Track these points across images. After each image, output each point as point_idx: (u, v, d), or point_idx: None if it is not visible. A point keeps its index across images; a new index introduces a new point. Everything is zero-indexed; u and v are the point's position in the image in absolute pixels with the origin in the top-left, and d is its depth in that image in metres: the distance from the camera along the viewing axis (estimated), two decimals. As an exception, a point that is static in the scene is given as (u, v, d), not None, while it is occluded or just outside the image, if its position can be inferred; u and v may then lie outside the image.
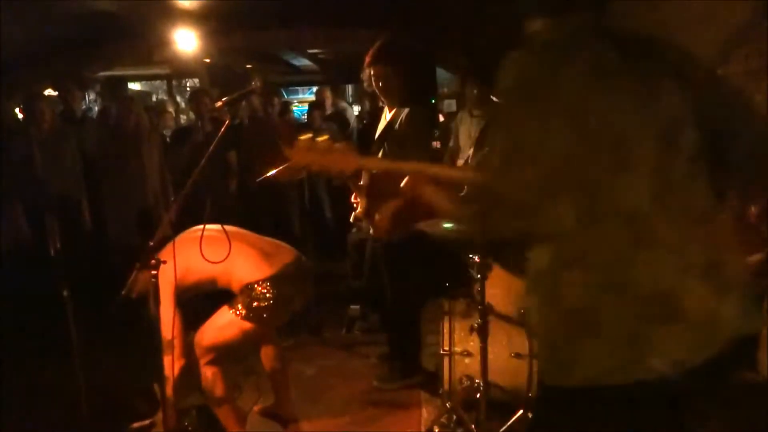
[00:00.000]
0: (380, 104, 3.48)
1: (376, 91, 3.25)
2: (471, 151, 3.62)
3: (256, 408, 3.17)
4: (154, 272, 2.21)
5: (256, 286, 2.63)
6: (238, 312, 2.63)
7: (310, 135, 1.70)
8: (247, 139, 5.42)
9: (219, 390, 2.76)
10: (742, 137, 1.40)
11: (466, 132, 3.72)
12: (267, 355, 3.03)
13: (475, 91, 4.09)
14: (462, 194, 1.52)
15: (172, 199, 2.73)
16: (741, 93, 1.49)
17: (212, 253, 2.37)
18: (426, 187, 1.61)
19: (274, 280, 2.64)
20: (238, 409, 2.89)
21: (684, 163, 1.32)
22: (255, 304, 2.62)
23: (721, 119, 1.39)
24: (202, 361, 2.74)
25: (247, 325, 2.65)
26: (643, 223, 1.28)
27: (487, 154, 1.40)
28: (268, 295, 2.62)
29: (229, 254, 2.38)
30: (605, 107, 1.30)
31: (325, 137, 1.71)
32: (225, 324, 2.69)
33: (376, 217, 3.24)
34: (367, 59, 3.15)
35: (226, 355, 2.78)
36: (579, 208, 1.28)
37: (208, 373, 2.75)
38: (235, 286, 2.68)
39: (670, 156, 1.31)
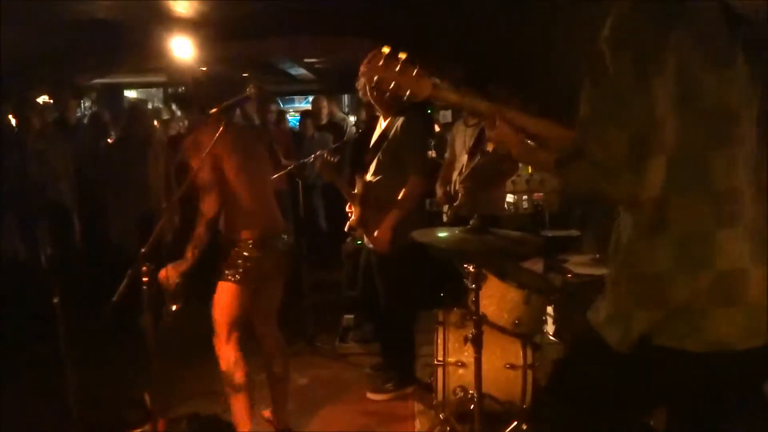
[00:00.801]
0: (376, 113, 3.48)
1: (371, 100, 3.26)
2: (465, 160, 3.61)
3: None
4: (145, 279, 2.19)
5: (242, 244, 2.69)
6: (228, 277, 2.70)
7: (387, 50, 1.62)
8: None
9: (239, 376, 2.76)
10: None
11: (462, 141, 3.71)
12: (272, 360, 3.00)
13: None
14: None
15: (164, 205, 2.71)
16: None
17: None
18: (507, 131, 1.57)
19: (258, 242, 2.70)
20: (250, 401, 2.87)
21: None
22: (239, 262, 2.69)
23: None
24: (223, 341, 2.76)
25: (234, 287, 2.70)
26: (730, 202, 1.27)
27: (582, 108, 1.33)
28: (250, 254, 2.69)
29: None
30: (712, 78, 1.27)
31: (403, 56, 1.62)
32: (220, 293, 2.73)
33: (376, 233, 3.24)
34: (363, 68, 3.15)
35: (235, 324, 2.78)
36: (669, 176, 1.27)
37: (231, 356, 2.75)
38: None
39: (761, 137, 1.30)
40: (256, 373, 3.71)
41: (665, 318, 1.30)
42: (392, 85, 1.59)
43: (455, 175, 3.67)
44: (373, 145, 3.37)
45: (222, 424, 3.18)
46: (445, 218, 3.85)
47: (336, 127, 6.83)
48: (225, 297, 2.72)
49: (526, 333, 2.83)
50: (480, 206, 3.35)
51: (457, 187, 3.61)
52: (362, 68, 3.16)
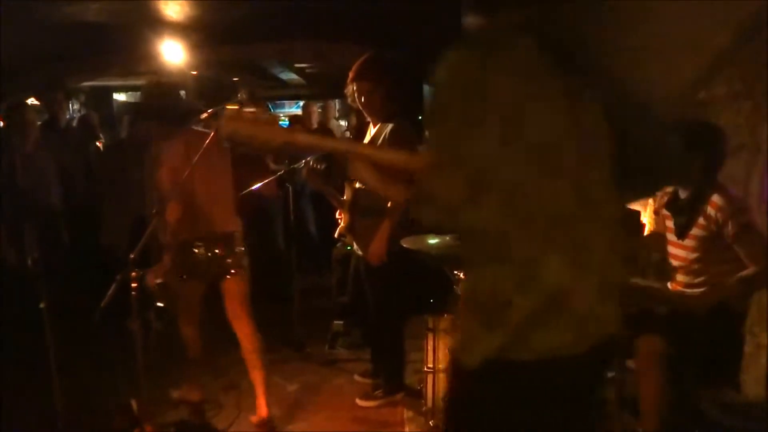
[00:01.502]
0: (366, 120, 3.48)
1: (360, 106, 3.26)
2: None
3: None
4: (134, 285, 2.18)
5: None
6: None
7: (237, 106, 1.65)
8: (232, 152, 5.37)
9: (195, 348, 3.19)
10: (644, 148, 1.53)
11: None
12: (247, 352, 3.20)
13: None
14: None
15: (154, 210, 2.69)
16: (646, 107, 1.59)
17: None
18: (363, 167, 1.68)
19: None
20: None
21: (600, 171, 1.41)
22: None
23: (629, 132, 1.49)
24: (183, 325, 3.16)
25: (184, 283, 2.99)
26: (560, 227, 1.36)
27: (426, 149, 1.45)
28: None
29: None
30: (535, 112, 1.34)
31: (254, 109, 1.66)
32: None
33: (371, 246, 3.22)
34: (351, 75, 3.16)
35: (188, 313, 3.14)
36: (504, 209, 1.34)
37: (189, 333, 3.17)
38: None
39: (590, 164, 1.40)
40: (242, 377, 3.71)
41: (507, 336, 1.39)
42: (245, 138, 1.62)
43: None
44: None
45: None
46: None
47: (328, 133, 6.84)
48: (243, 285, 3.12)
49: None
50: None
51: None
52: (350, 75, 3.18)
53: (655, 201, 2.87)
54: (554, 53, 1.39)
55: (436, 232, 1.58)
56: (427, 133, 1.43)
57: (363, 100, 3.17)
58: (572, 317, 1.39)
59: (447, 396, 1.69)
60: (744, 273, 2.49)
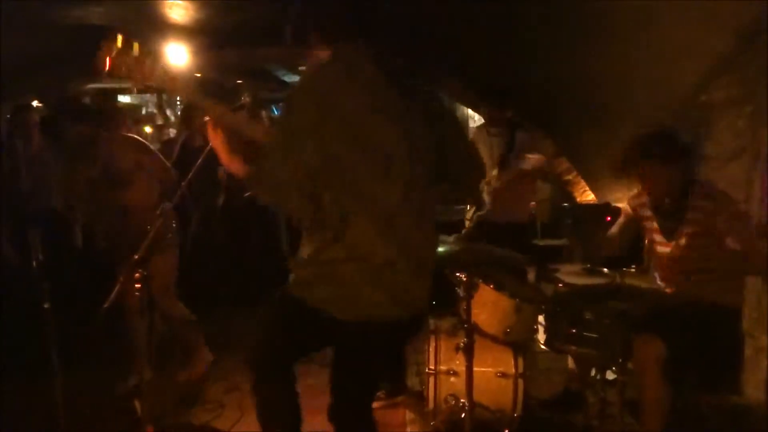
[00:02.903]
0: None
1: None
2: (495, 172, 3.81)
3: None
4: (138, 285, 2.19)
5: None
6: None
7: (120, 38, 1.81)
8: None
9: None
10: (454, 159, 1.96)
11: (486, 150, 3.85)
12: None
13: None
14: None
15: (158, 212, 2.73)
16: (458, 127, 2.06)
17: None
18: (216, 133, 1.88)
19: None
20: None
21: (421, 175, 1.78)
22: None
23: (445, 146, 1.90)
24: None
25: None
26: (388, 218, 1.71)
27: (269, 140, 1.73)
28: None
29: None
30: (373, 123, 1.68)
31: (136, 45, 1.81)
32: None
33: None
34: None
35: None
36: (341, 204, 1.68)
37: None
38: None
39: (414, 169, 1.76)
40: (244, 379, 3.72)
41: (339, 295, 1.78)
42: (123, 69, 1.80)
43: (482, 184, 3.74)
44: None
45: (212, 432, 3.18)
46: (467, 224, 3.93)
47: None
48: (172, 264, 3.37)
49: (518, 342, 2.84)
50: (508, 213, 3.49)
51: (485, 195, 3.73)
52: None
53: (631, 201, 2.89)
54: (389, 76, 1.76)
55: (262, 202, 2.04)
56: (276, 124, 1.76)
57: None
58: (393, 289, 1.76)
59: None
60: (737, 264, 2.52)
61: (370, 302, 1.77)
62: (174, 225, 3.41)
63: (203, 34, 5.30)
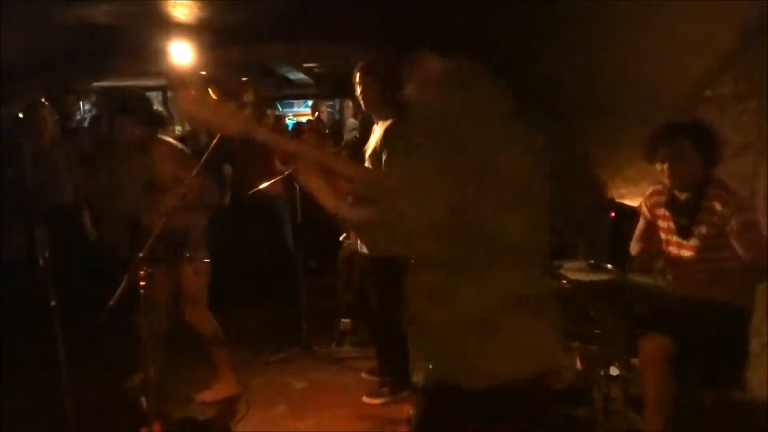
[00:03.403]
0: (372, 119, 3.51)
1: (362, 104, 3.33)
2: None
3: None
4: (143, 283, 2.21)
5: None
6: None
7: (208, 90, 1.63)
8: (240, 152, 5.44)
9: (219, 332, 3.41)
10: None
11: None
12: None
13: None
14: (355, 196, 1.58)
15: (162, 210, 2.74)
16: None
17: None
18: (312, 175, 1.61)
19: None
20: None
21: (543, 204, 1.52)
22: None
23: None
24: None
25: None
26: (520, 252, 1.46)
27: (389, 174, 1.50)
28: None
29: None
30: (503, 152, 1.42)
31: (213, 93, 1.63)
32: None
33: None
34: (355, 73, 3.24)
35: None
36: (472, 240, 1.40)
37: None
38: None
39: (540, 200, 1.51)
40: (250, 376, 3.74)
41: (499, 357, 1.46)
42: (201, 123, 1.61)
43: None
44: (367, 149, 3.40)
45: (218, 428, 3.19)
46: None
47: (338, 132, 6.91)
48: (203, 274, 3.32)
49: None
50: None
51: None
52: (354, 73, 3.24)
53: (646, 201, 2.88)
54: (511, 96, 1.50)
55: (377, 254, 1.62)
56: (393, 161, 1.44)
57: (363, 94, 3.25)
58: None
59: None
60: (747, 268, 2.52)
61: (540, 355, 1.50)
62: (203, 236, 3.32)
63: (207, 31, 5.31)
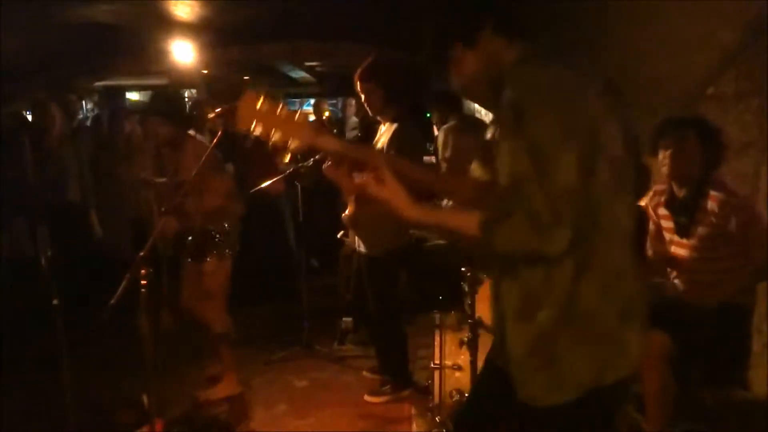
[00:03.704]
0: (375, 119, 3.50)
1: (368, 110, 3.32)
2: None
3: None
4: (143, 282, 2.21)
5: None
6: None
7: (262, 94, 1.52)
8: (241, 151, 5.45)
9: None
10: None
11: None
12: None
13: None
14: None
15: (163, 209, 2.74)
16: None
17: None
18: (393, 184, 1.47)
19: None
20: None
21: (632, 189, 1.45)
22: None
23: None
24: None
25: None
26: (628, 238, 1.40)
27: (512, 167, 1.32)
28: None
29: None
30: (607, 130, 1.34)
31: (278, 104, 1.52)
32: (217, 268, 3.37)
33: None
34: (356, 76, 3.23)
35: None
36: (588, 227, 1.31)
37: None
38: None
39: (631, 176, 1.43)
40: (252, 375, 3.75)
41: (598, 356, 1.37)
42: (273, 131, 1.50)
43: None
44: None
45: (219, 427, 3.20)
46: None
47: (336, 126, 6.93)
48: (224, 272, 3.37)
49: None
50: None
51: None
52: (355, 76, 3.23)
53: (650, 202, 2.87)
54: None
55: (511, 255, 1.36)
56: (509, 145, 1.33)
57: (366, 100, 3.23)
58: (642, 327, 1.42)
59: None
60: (749, 266, 2.52)
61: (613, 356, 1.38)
62: (231, 232, 3.39)
63: (208, 30, 5.32)
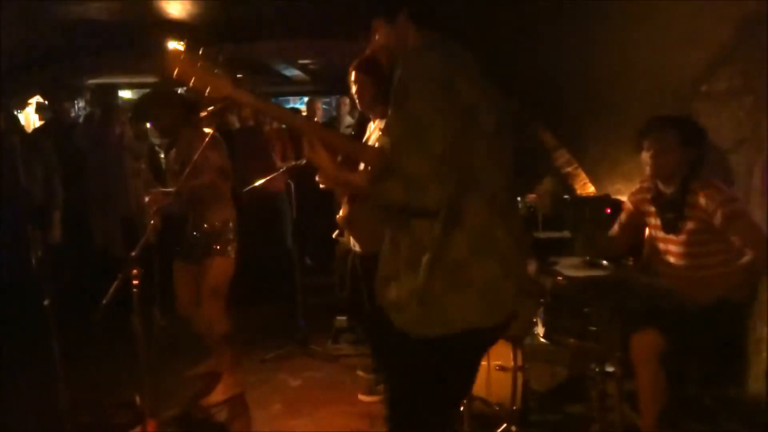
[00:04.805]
0: (367, 117, 3.50)
1: (358, 103, 3.32)
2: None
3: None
4: (135, 282, 2.20)
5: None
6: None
7: (198, 52, 1.73)
8: (240, 149, 5.43)
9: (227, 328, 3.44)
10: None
11: None
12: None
13: None
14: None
15: (155, 209, 2.74)
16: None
17: None
18: (318, 146, 1.74)
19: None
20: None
21: (509, 160, 1.71)
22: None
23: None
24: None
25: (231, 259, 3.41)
26: (496, 198, 1.63)
27: (390, 131, 1.57)
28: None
29: None
30: (481, 108, 1.60)
31: (201, 53, 1.73)
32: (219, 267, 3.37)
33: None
34: (351, 67, 3.23)
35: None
36: (459, 186, 1.55)
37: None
38: None
39: (507, 154, 1.70)
40: (246, 375, 3.74)
41: (478, 302, 1.59)
42: (192, 80, 1.70)
43: None
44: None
45: (214, 427, 3.19)
46: None
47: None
48: (227, 270, 3.37)
49: (516, 335, 2.84)
50: None
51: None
52: (350, 70, 3.23)
53: (633, 196, 2.88)
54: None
55: (395, 210, 1.65)
56: (393, 115, 1.56)
57: (358, 92, 3.24)
58: (516, 277, 1.64)
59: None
60: (742, 261, 2.52)
61: (492, 305, 1.61)
62: (233, 229, 3.44)
63: (201, 28, 5.29)
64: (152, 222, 2.61)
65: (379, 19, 1.74)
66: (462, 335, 1.60)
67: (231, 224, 3.42)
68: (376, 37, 1.76)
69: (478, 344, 1.71)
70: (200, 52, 1.71)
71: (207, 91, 1.71)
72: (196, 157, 2.87)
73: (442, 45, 1.64)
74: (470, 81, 1.59)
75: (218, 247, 3.32)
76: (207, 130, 3.29)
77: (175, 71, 1.70)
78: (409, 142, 1.51)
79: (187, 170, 2.82)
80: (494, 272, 1.60)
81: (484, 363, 2.79)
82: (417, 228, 1.60)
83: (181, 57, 1.70)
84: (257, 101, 1.80)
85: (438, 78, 1.54)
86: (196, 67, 1.70)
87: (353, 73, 3.22)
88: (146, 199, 3.03)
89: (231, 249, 3.39)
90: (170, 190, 3.14)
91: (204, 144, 2.88)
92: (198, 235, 3.35)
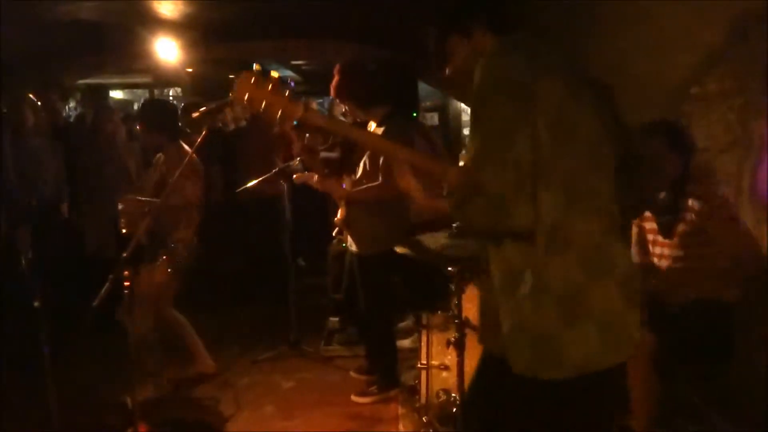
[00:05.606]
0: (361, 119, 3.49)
1: (348, 109, 3.32)
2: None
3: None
4: (127, 283, 2.19)
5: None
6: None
7: (258, 68, 1.61)
8: (241, 150, 5.42)
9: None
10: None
11: None
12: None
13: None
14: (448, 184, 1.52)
15: (146, 210, 2.73)
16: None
17: None
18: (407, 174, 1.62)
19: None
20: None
21: (611, 168, 1.49)
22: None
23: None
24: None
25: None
26: (611, 215, 1.45)
27: (471, 148, 1.41)
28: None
29: None
30: (576, 112, 1.41)
31: (275, 76, 1.62)
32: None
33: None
34: (335, 78, 3.25)
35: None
36: (558, 202, 1.36)
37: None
38: None
39: (615, 159, 1.49)
40: (239, 377, 3.73)
41: (597, 337, 1.37)
42: (263, 104, 1.58)
43: None
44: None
45: (206, 429, 3.18)
46: None
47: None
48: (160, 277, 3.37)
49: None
50: None
51: None
52: (335, 74, 3.23)
53: None
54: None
55: (483, 233, 1.49)
56: (471, 129, 1.42)
57: (346, 101, 3.26)
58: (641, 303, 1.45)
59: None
60: (733, 263, 2.54)
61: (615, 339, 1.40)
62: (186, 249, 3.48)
63: (194, 28, 5.27)
64: (144, 224, 2.60)
65: (455, 37, 1.59)
66: (581, 379, 1.37)
67: (186, 244, 3.47)
68: (455, 58, 1.61)
69: (600, 388, 1.43)
70: (271, 74, 1.59)
71: (278, 115, 1.60)
72: (173, 181, 2.86)
73: (523, 46, 1.47)
74: (557, 80, 1.40)
75: (165, 257, 3.35)
76: (187, 148, 3.38)
77: (245, 96, 1.58)
78: (488, 155, 1.35)
79: (166, 191, 2.82)
80: (615, 299, 1.39)
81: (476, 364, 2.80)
82: (512, 252, 1.43)
83: (252, 80, 1.57)
84: (331, 123, 1.70)
85: (515, 82, 1.37)
86: (266, 90, 1.58)
87: (336, 79, 3.23)
88: (119, 206, 3.07)
89: (178, 254, 3.42)
90: (145, 199, 3.13)
91: (182, 168, 2.87)
92: (153, 242, 3.37)
